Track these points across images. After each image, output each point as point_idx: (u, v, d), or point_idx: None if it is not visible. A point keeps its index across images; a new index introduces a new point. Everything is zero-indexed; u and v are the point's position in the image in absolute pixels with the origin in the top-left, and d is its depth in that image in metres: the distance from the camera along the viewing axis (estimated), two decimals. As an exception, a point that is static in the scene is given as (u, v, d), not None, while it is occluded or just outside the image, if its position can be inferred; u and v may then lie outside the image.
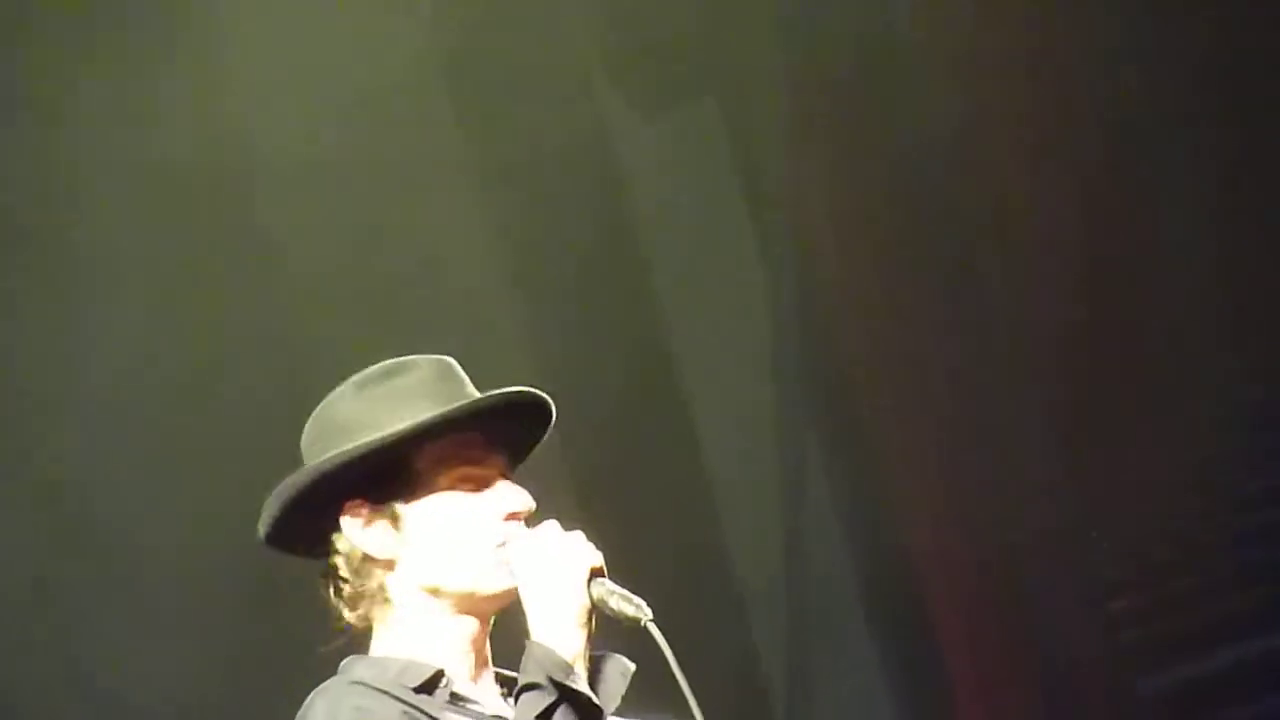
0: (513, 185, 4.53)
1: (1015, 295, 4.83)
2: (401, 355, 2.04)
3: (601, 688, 1.90)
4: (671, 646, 1.88)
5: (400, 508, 1.94)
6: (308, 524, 1.97)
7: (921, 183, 4.64)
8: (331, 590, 1.98)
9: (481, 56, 4.53)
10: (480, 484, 1.95)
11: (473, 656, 1.96)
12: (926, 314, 4.70)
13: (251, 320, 4.09)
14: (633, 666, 1.95)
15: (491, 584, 1.93)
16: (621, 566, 1.96)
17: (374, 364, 2.03)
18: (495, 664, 2.01)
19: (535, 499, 1.99)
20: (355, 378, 2.00)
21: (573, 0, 4.62)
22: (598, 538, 1.96)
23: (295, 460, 2.01)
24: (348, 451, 1.92)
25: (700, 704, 1.88)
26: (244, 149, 4.18)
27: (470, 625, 1.95)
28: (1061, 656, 4.82)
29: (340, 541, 1.96)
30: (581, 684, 1.84)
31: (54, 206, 4.00)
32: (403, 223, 4.33)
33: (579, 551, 1.91)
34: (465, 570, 1.93)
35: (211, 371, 4.04)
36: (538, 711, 1.81)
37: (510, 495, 1.96)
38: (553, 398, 2.03)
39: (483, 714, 1.91)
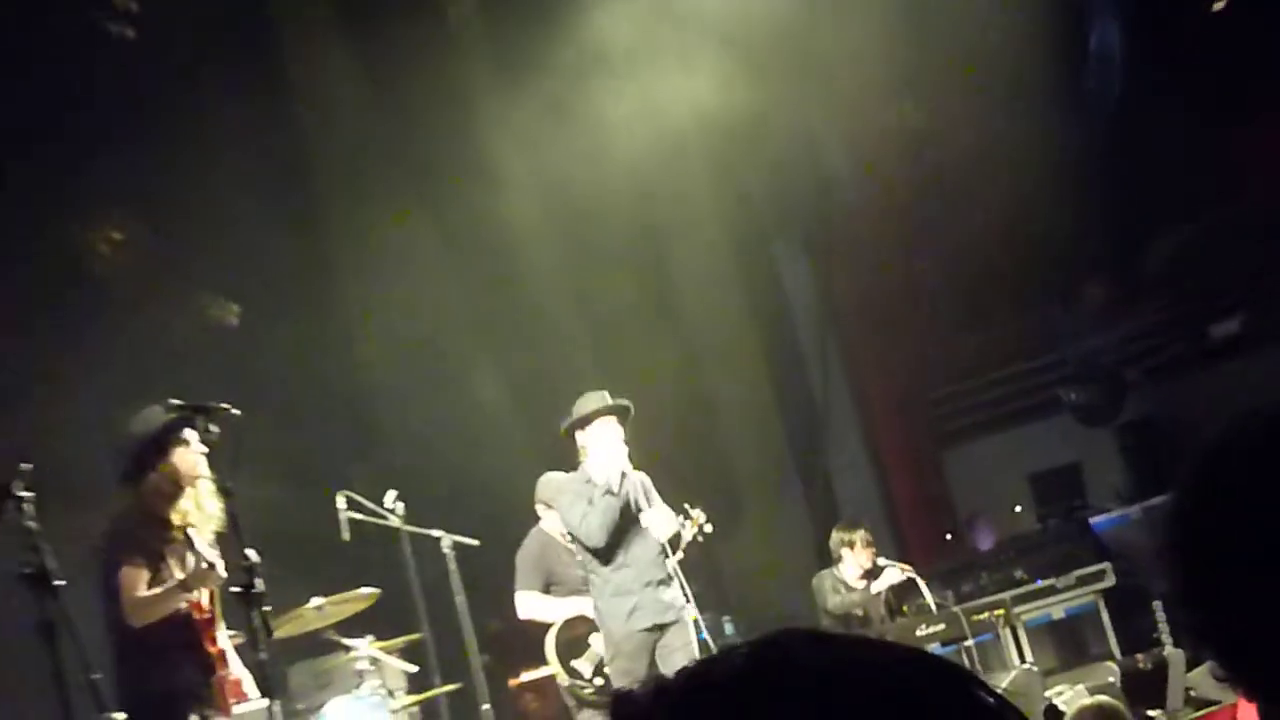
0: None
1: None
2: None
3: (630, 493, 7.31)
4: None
5: (588, 433, 7.59)
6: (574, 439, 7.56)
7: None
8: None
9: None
10: (606, 427, 7.49)
11: (618, 474, 7.33)
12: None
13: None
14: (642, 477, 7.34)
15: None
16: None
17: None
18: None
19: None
20: (584, 394, 7.52)
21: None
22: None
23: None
24: (572, 418, 7.63)
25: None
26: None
27: (612, 467, 7.37)
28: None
29: (578, 442, 7.54)
30: (618, 488, 7.42)
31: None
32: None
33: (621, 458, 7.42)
34: (602, 455, 7.49)
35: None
36: (603, 493, 7.38)
37: (616, 430, 7.45)
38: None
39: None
